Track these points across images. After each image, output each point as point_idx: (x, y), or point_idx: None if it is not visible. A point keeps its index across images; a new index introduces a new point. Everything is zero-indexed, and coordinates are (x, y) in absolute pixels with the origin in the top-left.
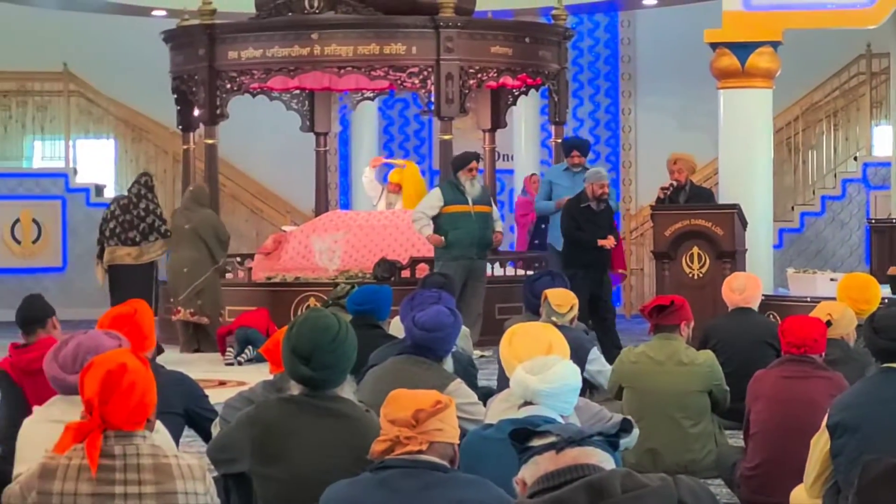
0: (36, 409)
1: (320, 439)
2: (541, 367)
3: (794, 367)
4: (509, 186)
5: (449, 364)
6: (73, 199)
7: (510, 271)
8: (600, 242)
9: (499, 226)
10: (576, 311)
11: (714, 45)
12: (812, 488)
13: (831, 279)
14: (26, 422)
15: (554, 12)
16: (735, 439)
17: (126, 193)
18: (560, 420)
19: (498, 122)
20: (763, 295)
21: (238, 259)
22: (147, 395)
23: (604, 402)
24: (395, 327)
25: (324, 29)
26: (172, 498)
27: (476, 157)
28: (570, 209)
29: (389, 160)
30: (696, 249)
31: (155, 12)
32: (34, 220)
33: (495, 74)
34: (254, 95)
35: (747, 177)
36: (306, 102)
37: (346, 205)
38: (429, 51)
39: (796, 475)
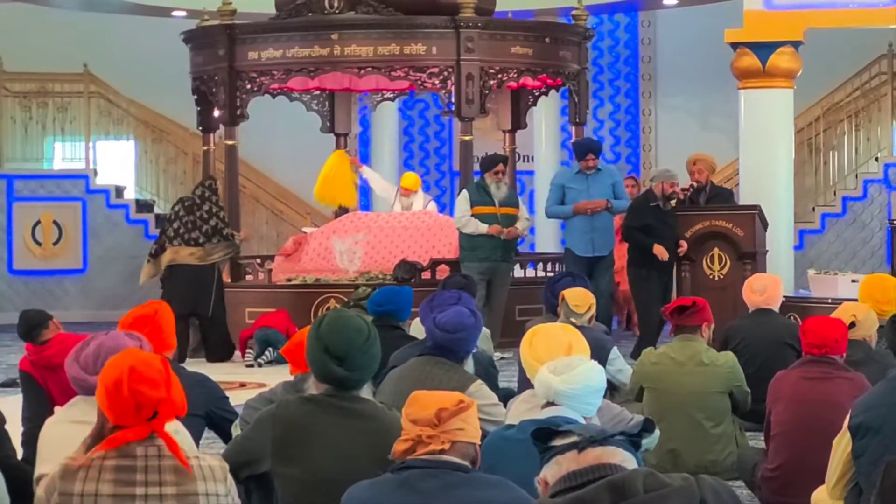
0: (57, 409)
1: (342, 439)
2: (564, 367)
3: (815, 367)
4: (529, 187)
5: (470, 365)
6: (94, 201)
7: (531, 273)
8: (679, 250)
9: (522, 223)
10: (593, 311)
11: (735, 45)
12: (834, 490)
13: (853, 280)
14: (48, 422)
15: (574, 12)
16: (756, 441)
17: (190, 195)
18: (582, 421)
19: (518, 122)
20: (784, 296)
21: (258, 261)
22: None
23: (623, 403)
24: (416, 328)
25: (344, 29)
26: (193, 499)
27: (503, 159)
28: (639, 208)
29: (354, 160)
30: (716, 251)
31: (175, 13)
32: (55, 222)
33: (515, 75)
34: (274, 96)
35: (768, 177)
36: (326, 103)
37: (366, 206)
38: (449, 51)
39: (818, 476)
